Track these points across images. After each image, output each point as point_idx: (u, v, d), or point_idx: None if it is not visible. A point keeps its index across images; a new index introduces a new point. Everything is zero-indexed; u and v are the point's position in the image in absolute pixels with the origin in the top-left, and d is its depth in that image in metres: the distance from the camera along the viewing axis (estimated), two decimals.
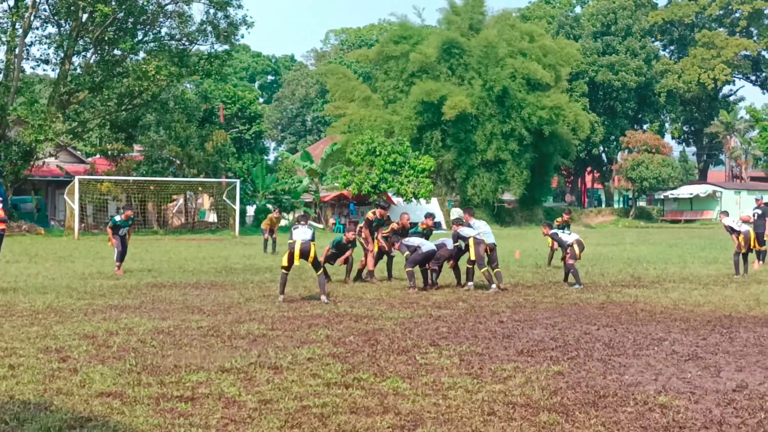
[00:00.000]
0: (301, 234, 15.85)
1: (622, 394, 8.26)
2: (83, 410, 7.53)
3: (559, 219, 24.72)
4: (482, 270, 17.97)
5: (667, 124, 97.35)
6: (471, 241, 18.19)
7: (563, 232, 19.82)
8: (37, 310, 14.01)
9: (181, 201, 59.38)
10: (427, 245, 18.34)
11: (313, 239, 15.82)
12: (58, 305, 14.73)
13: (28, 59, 51.34)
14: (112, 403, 7.76)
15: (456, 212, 63.25)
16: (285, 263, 15.75)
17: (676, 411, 7.67)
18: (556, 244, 21.41)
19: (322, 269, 16.05)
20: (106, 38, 49.88)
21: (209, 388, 8.39)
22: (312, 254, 15.60)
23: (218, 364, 9.48)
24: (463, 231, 18.62)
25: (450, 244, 18.60)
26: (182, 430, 6.95)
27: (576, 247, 18.90)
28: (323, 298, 15.60)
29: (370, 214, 20.00)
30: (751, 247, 22.11)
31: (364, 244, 19.83)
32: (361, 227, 19.86)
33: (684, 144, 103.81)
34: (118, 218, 22.38)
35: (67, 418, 7.25)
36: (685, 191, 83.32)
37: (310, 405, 7.75)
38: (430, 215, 20.12)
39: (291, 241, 15.81)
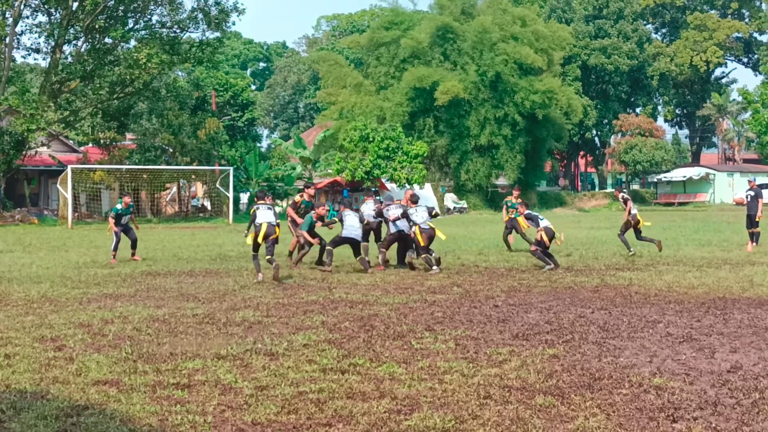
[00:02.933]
0: (266, 217, 17.00)
1: (617, 377, 8.29)
2: (80, 398, 7.54)
3: (510, 197, 24.64)
4: (422, 256, 18.50)
5: (659, 107, 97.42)
6: (417, 230, 18.67)
7: (395, 208, 19.61)
8: (32, 300, 14.00)
9: (175, 189, 59.30)
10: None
11: (277, 223, 17.03)
12: (52, 294, 14.72)
13: (18, 48, 51.15)
14: (109, 391, 7.77)
15: (450, 197, 63.44)
16: (251, 243, 17.11)
17: (671, 392, 7.70)
18: (527, 225, 21.16)
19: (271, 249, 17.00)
20: (97, 26, 49.65)
21: (205, 375, 8.41)
22: (274, 238, 16.87)
23: (214, 352, 9.49)
24: (390, 212, 19.29)
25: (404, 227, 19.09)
26: (179, 417, 6.96)
27: (543, 234, 19.01)
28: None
29: (297, 197, 20.74)
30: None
31: (291, 228, 20.42)
32: (288, 207, 20.27)
33: (677, 127, 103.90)
34: (119, 206, 22.47)
35: (64, 406, 7.26)
36: (678, 174, 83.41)
37: (306, 391, 7.77)
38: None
39: (257, 223, 16.96)
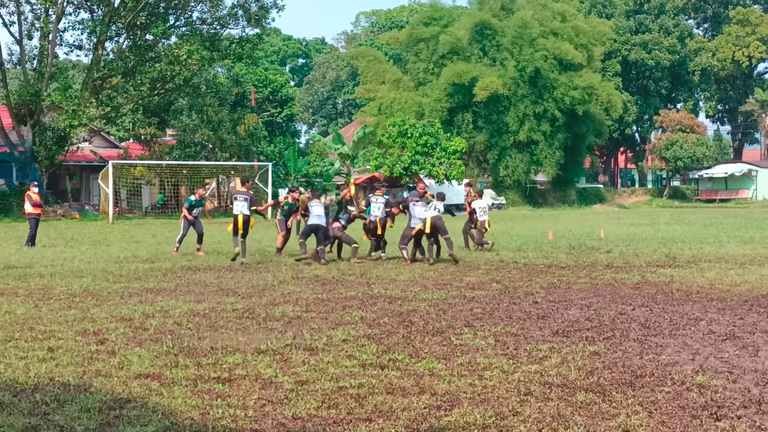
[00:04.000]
0: (240, 208, 19.96)
1: (659, 374, 8.21)
2: (122, 392, 7.61)
3: (467, 197, 24.55)
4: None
5: (701, 103, 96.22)
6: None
7: (420, 205, 19.88)
8: (74, 294, 14.15)
9: (214, 185, 59.68)
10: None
11: (250, 213, 19.92)
12: (94, 289, 14.86)
13: (61, 45, 51.76)
14: (151, 385, 7.83)
15: (488, 194, 63.23)
16: (231, 230, 20.21)
17: (714, 390, 7.62)
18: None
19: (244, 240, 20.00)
20: (138, 23, 50.11)
21: (246, 369, 8.44)
22: (247, 226, 19.86)
23: (254, 346, 9.53)
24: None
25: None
26: (220, 411, 7.00)
27: (420, 225, 19.45)
28: (243, 260, 19.44)
29: (282, 198, 21.42)
30: None
31: (278, 225, 21.67)
32: (270, 201, 21.31)
33: (718, 123, 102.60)
34: (193, 198, 23.32)
35: (107, 399, 7.33)
36: (719, 170, 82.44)
37: (346, 386, 7.77)
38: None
39: (235, 213, 20.13)
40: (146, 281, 16.11)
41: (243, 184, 21.15)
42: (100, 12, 50.55)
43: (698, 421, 6.71)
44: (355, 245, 20.53)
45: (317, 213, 19.85)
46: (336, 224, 20.95)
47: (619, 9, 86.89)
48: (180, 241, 22.49)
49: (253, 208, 20.73)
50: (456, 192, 54.30)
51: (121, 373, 8.28)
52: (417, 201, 20.17)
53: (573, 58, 63.98)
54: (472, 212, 23.27)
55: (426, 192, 21.05)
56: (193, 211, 22.81)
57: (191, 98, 54.26)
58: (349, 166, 61.39)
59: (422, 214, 19.60)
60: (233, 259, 19.78)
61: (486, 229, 23.36)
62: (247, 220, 20.02)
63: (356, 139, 62.72)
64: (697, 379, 8.01)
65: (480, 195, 24.37)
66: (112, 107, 51.94)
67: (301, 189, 21.87)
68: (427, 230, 19.41)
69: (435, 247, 19.87)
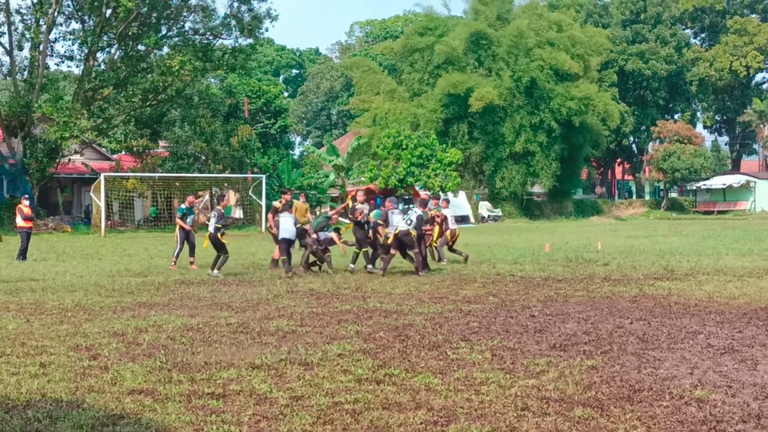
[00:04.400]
0: (209, 225, 20.70)
1: (657, 388, 8.15)
2: (115, 408, 7.52)
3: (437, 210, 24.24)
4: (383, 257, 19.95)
5: (698, 114, 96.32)
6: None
7: (397, 213, 20.06)
8: (66, 309, 14.05)
9: (207, 197, 59.57)
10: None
11: (216, 230, 20.04)
12: (86, 303, 14.77)
13: (52, 56, 51.64)
14: (144, 401, 7.75)
15: (484, 206, 63.20)
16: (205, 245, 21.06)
17: (712, 405, 7.56)
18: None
19: (224, 253, 20.20)
20: (130, 33, 50.04)
21: (240, 384, 8.37)
22: (213, 241, 20.21)
23: (248, 361, 9.45)
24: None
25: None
26: (214, 426, 6.92)
27: (391, 237, 19.62)
28: (214, 272, 19.78)
29: (276, 203, 21.65)
30: None
31: (273, 233, 21.50)
32: (269, 214, 21.71)
33: (716, 133, 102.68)
34: (183, 206, 23.17)
35: (100, 415, 7.25)
36: (717, 182, 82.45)
37: (341, 401, 7.70)
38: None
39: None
40: (139, 295, 16.02)
41: (219, 202, 21.36)
42: (91, 22, 50.48)
43: None
44: (322, 263, 21.06)
45: (285, 227, 19.94)
46: (314, 236, 20.84)
47: (616, 19, 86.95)
48: (177, 256, 22.47)
49: (217, 225, 20.51)
50: (457, 204, 54.15)
51: (114, 389, 8.20)
52: (394, 209, 20.18)
53: (569, 68, 64.07)
54: (444, 220, 23.10)
55: (427, 202, 21.16)
56: (187, 220, 22.66)
57: (184, 109, 54.12)
58: (343, 178, 61.29)
59: (399, 223, 19.59)
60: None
61: (449, 240, 23.29)
62: (212, 238, 20.26)
63: (351, 150, 62.65)
64: (695, 393, 7.95)
65: (447, 204, 24.50)
66: (103, 119, 51.79)
67: (293, 198, 21.68)
68: (389, 242, 19.59)
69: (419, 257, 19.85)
